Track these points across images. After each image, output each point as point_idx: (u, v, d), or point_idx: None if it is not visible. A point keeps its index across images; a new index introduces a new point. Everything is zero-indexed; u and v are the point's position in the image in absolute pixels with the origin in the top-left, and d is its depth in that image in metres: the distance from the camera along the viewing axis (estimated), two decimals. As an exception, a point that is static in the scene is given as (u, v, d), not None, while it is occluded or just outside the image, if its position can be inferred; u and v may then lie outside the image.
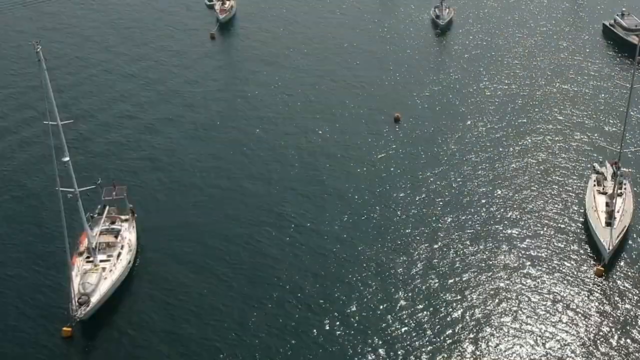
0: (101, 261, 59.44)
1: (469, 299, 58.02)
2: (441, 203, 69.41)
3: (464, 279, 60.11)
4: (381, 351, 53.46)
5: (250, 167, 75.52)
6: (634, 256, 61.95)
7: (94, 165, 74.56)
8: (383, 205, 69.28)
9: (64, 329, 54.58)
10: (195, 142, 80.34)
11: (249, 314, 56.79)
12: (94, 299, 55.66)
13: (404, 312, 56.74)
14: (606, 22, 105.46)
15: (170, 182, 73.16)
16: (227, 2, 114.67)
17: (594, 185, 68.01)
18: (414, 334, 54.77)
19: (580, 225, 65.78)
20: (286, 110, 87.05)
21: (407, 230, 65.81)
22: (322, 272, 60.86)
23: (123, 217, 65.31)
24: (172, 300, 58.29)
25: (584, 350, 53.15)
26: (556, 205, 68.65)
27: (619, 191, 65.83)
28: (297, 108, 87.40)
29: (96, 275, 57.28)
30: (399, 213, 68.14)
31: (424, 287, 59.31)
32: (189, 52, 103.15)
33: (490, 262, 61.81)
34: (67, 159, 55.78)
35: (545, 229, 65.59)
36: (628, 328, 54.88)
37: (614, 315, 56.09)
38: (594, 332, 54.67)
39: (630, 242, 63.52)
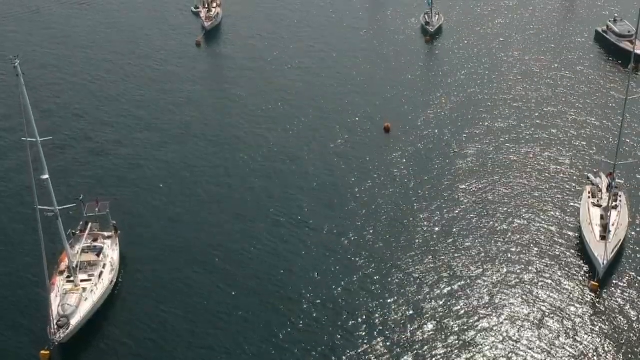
0: (82, 281, 57.63)
1: (460, 313, 56.61)
2: (432, 214, 67.91)
3: (453, 293, 58.65)
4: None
5: (239, 180, 73.75)
6: (629, 271, 60.58)
7: (75, 182, 72.49)
8: (373, 214, 67.80)
9: (42, 352, 52.70)
10: (182, 154, 78.37)
11: (237, 334, 55.14)
12: (74, 322, 53.81)
13: (391, 323, 55.30)
14: (598, 28, 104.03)
15: (156, 198, 71.19)
16: (213, 9, 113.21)
17: (589, 197, 66.55)
18: (398, 348, 53.47)
19: (574, 238, 64.34)
20: (273, 119, 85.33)
21: (397, 241, 64.34)
22: (310, 283, 59.61)
23: (106, 234, 63.52)
24: (156, 321, 56.51)
25: (580, 370, 51.93)
26: (550, 218, 67.17)
27: (614, 204, 64.43)
28: (284, 117, 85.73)
29: (76, 296, 55.49)
30: (389, 223, 66.72)
31: (410, 300, 57.88)
32: (175, 60, 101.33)
33: (481, 276, 60.34)
34: (46, 176, 54.02)
35: (539, 242, 64.11)
36: (623, 345, 53.44)
37: (609, 332, 54.66)
38: (587, 349, 53.21)
39: (625, 256, 62.10)
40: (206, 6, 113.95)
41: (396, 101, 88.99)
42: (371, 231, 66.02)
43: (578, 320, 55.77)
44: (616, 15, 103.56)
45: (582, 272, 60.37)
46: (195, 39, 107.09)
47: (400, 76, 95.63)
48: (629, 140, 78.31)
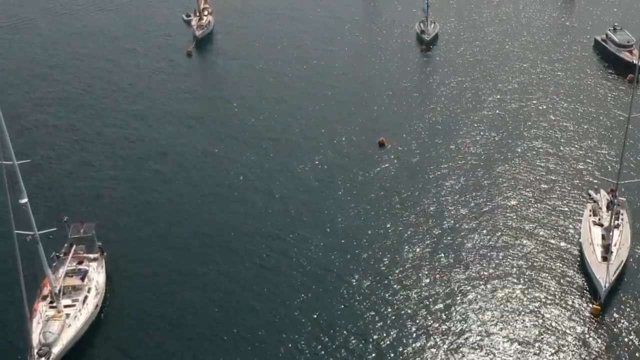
0: (65, 306, 55.64)
1: (456, 332, 54.90)
2: (427, 232, 66.01)
3: (448, 311, 56.93)
4: None
5: (229, 199, 71.68)
6: (632, 293, 58.63)
7: (57, 204, 69.81)
8: (367, 230, 66.03)
9: (23, 383, 50.91)
10: (171, 172, 76.06)
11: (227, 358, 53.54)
12: (56, 350, 51.91)
13: (383, 343, 53.56)
14: (598, 37, 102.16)
15: (142, 219, 68.97)
16: (205, 17, 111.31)
17: (590, 215, 64.57)
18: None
19: (575, 258, 62.38)
20: (266, 131, 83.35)
21: (391, 258, 62.58)
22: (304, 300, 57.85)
23: (92, 256, 61.49)
24: (143, 348, 54.53)
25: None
26: (551, 237, 65.18)
27: (616, 222, 62.45)
28: (277, 129, 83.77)
29: (59, 323, 53.57)
30: (384, 240, 64.92)
31: (406, 319, 56.30)
32: (165, 71, 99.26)
33: (477, 296, 58.47)
34: (25, 200, 51.95)
35: (538, 262, 62.16)
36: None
37: (611, 358, 52.73)
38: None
39: (628, 277, 60.13)
40: (197, 14, 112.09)
41: (391, 114, 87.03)
42: (368, 243, 64.50)
43: (579, 345, 53.81)
44: (616, 24, 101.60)
45: (583, 295, 58.43)
46: (187, 49, 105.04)
47: (396, 87, 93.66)
48: (631, 158, 75.70)
